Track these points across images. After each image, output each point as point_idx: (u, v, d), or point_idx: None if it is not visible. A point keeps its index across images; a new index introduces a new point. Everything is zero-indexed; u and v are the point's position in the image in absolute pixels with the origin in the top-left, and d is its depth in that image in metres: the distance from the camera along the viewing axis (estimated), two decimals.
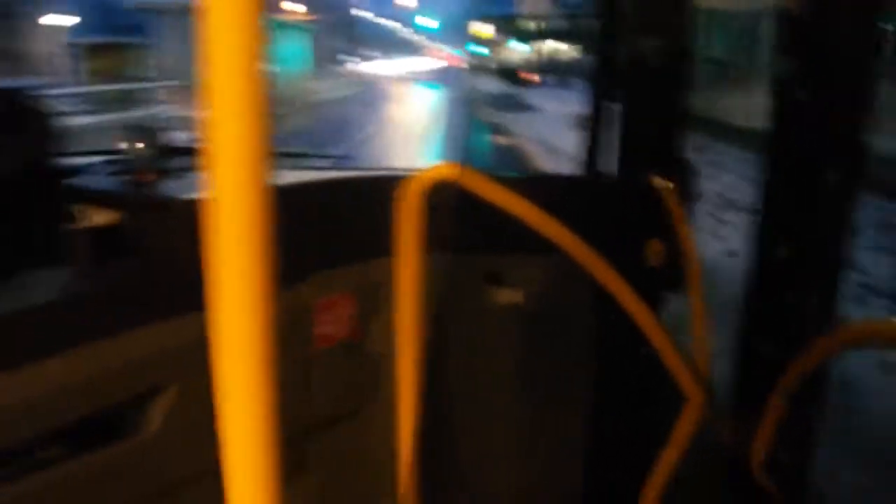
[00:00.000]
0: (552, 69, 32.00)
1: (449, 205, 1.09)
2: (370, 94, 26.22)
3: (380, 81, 42.25)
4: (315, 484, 1.36)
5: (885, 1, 1.09)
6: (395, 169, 1.46)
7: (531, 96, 20.25)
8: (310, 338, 1.27)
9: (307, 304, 1.25)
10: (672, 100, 1.36)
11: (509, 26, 51.06)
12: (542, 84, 25.77)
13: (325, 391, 1.31)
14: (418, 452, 1.20)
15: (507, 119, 15.03)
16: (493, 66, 47.65)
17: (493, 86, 26.73)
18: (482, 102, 19.35)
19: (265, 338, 0.49)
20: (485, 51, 50.92)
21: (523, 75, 27.16)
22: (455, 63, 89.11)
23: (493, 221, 1.10)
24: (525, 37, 56.87)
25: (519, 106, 18.06)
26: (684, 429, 1.24)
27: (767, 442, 1.15)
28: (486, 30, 65.77)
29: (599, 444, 1.49)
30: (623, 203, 1.36)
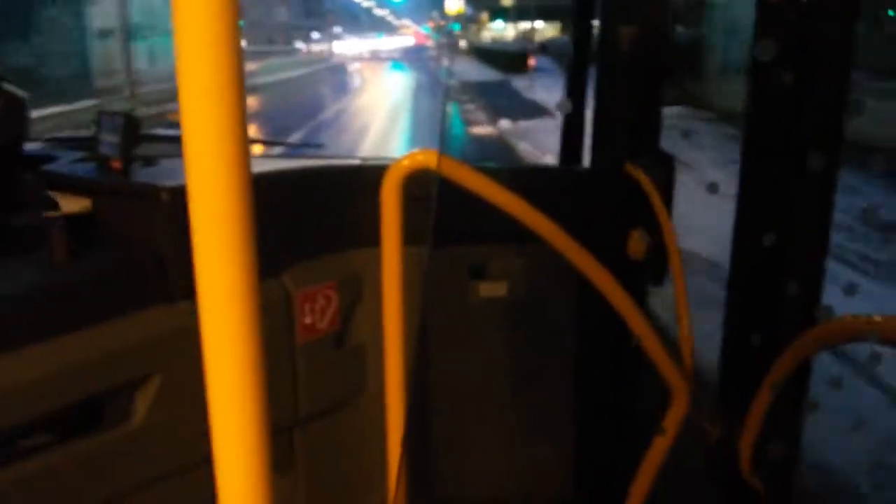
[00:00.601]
0: (545, 50, 26.09)
1: (431, 195, 1.10)
2: (322, 78, 24.30)
3: (337, 61, 38.97)
4: (303, 475, 1.35)
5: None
6: (374, 158, 1.45)
7: (527, 86, 15.87)
8: (294, 329, 1.27)
9: (290, 294, 1.25)
10: (649, 90, 1.34)
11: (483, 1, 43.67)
12: (535, 69, 19.64)
13: (311, 383, 1.31)
14: (405, 444, 1.21)
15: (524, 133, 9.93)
16: (465, 44, 40.58)
17: (471, 69, 24.31)
18: (468, 97, 15.39)
19: (251, 327, 0.49)
20: (455, 25, 43.97)
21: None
22: (422, 41, 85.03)
23: (476, 212, 1.10)
24: (502, 13, 50.07)
25: (525, 107, 12.74)
26: (671, 422, 1.23)
27: (754, 435, 1.14)
28: (455, 4, 58.17)
29: (586, 436, 1.49)
30: (601, 193, 1.36)
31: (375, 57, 52.04)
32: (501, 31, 46.28)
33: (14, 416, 0.97)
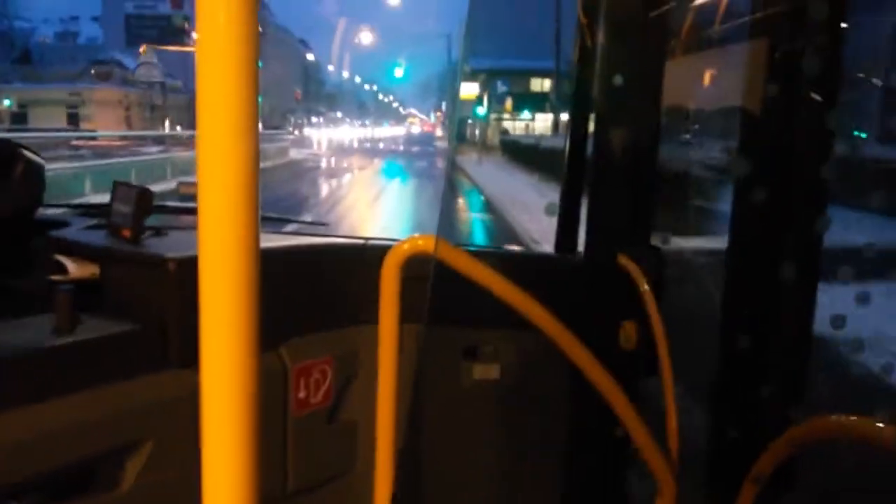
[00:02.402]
0: None
1: (427, 277, 1.21)
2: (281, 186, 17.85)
3: (317, 158, 32.34)
4: None
5: (834, 105, 1.21)
6: (374, 238, 1.59)
7: None
8: (287, 402, 1.35)
9: (286, 368, 1.34)
10: (639, 186, 1.45)
11: (507, 84, 30.42)
12: None
13: (302, 457, 1.39)
14: None
15: None
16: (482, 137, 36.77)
17: (506, 182, 18.19)
18: None
19: (249, 398, 0.51)
20: (481, 112, 31.65)
21: None
22: (430, 129, 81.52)
23: (472, 295, 1.20)
24: (528, 103, 36.45)
25: None
26: None
27: None
28: (470, 90, 45.40)
29: None
30: (594, 283, 1.48)
31: (370, 149, 39.04)
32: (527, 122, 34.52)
33: (6, 477, 1.02)
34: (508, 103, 41.94)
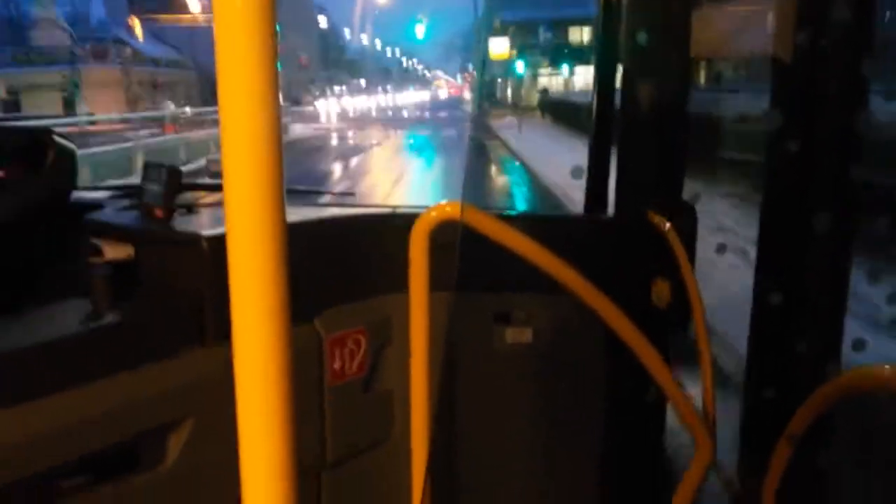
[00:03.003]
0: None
1: (457, 244, 1.26)
2: None
3: (326, 134, 26.00)
4: None
5: (869, 55, 1.21)
6: (401, 207, 1.63)
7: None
8: (323, 374, 1.41)
9: (320, 339, 1.40)
10: (671, 140, 1.48)
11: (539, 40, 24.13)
12: None
13: (339, 426, 1.45)
14: (431, 489, 1.31)
15: None
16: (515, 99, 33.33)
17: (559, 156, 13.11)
18: None
19: (283, 371, 0.52)
20: (520, 69, 25.91)
21: None
22: (457, 93, 77.14)
23: (501, 260, 1.23)
24: (567, 55, 29.61)
25: None
26: (694, 474, 1.33)
27: (776, 487, 1.24)
28: (501, 46, 39.60)
29: (609, 486, 1.60)
30: (624, 242, 1.51)
31: (388, 120, 33.73)
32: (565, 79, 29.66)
33: (54, 458, 1.07)
34: (544, 57, 36.91)
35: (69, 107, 37.95)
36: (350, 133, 27.10)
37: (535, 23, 36.40)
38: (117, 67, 41.15)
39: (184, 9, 49.73)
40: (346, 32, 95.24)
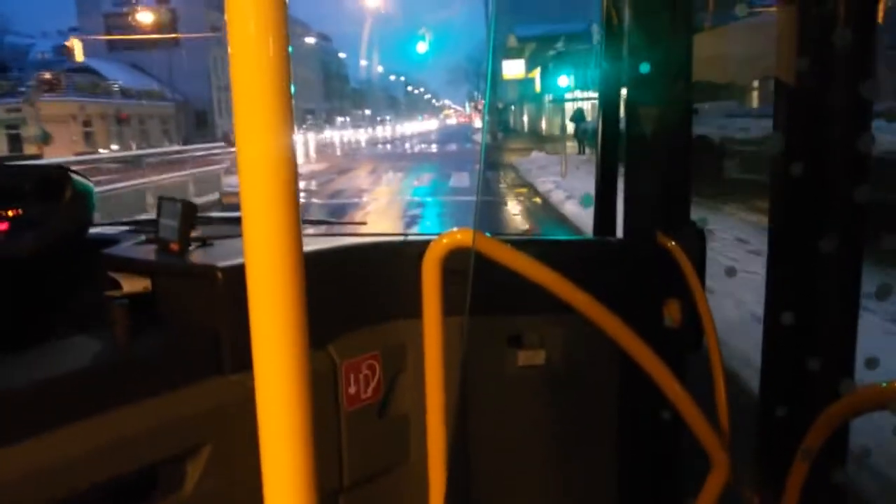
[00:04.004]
0: None
1: (468, 269, 1.25)
2: None
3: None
4: None
5: (872, 75, 1.29)
6: (414, 234, 1.73)
7: None
8: (339, 398, 1.48)
9: (335, 365, 1.48)
10: (675, 163, 1.56)
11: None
12: None
13: (355, 451, 1.52)
14: None
15: None
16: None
17: None
18: None
19: (303, 396, 0.55)
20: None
21: None
22: (465, 120, 76.72)
23: (513, 284, 1.31)
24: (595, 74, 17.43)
25: None
26: (710, 492, 1.38)
27: (794, 503, 1.32)
28: (516, 68, 30.75)
29: None
30: (634, 264, 1.60)
31: (385, 157, 25.70)
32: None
33: (73, 487, 1.12)
34: (566, 79, 30.50)
35: (14, 144, 32.20)
36: (326, 179, 19.56)
37: (556, 37, 30.28)
38: (73, 99, 35.45)
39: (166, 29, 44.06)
40: (347, 58, 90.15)
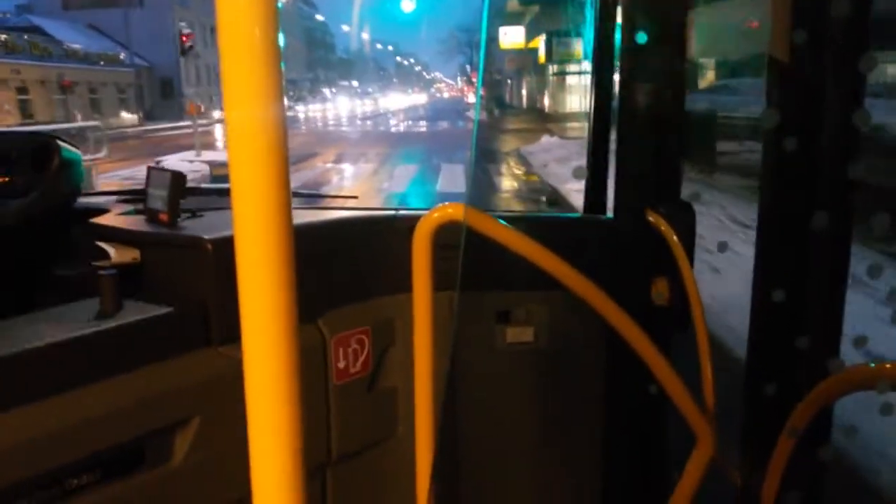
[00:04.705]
0: None
1: (458, 244, 1.25)
2: None
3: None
4: None
5: (867, 51, 1.28)
6: (404, 209, 1.74)
7: None
8: (328, 373, 1.51)
9: (324, 339, 1.51)
10: (667, 141, 1.57)
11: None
12: None
13: (344, 425, 1.55)
14: (435, 486, 1.39)
15: None
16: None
17: None
18: None
19: (291, 369, 0.55)
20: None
21: None
22: (456, 94, 70.26)
23: (503, 260, 1.32)
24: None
25: None
26: (695, 468, 1.41)
27: (777, 483, 1.32)
28: (515, 36, 24.11)
29: (612, 482, 1.71)
30: (624, 241, 1.64)
31: (359, 140, 25.84)
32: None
33: (62, 457, 1.13)
34: (578, 49, 26.61)
35: None
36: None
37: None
38: (7, 62, 30.59)
39: None
40: (332, 25, 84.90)
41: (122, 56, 43.98)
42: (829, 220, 1.18)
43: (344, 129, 32.72)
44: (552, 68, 33.88)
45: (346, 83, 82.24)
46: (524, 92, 45.54)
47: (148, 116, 42.50)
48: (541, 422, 1.68)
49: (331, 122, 37.22)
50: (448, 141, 21.62)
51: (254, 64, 0.49)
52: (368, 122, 37.66)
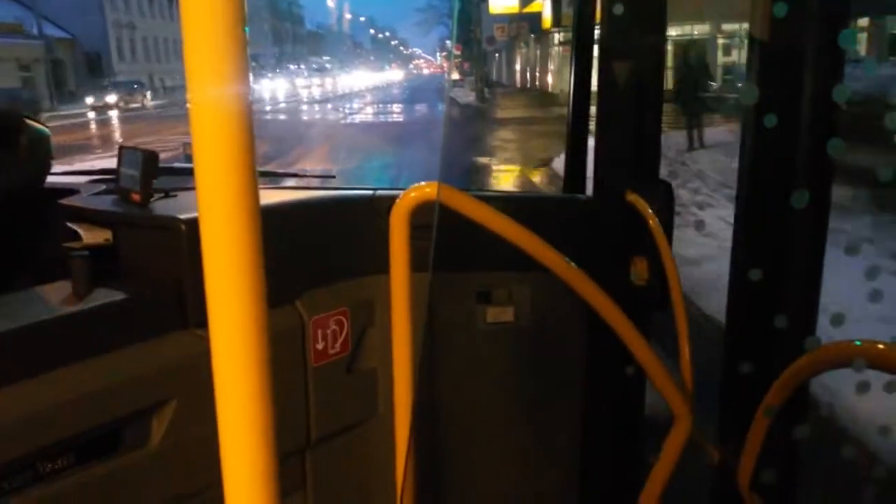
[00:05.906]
0: None
1: (437, 223, 1.27)
2: None
3: None
4: (313, 497, 1.64)
5: (846, 26, 1.35)
6: (380, 188, 1.76)
7: None
8: (306, 354, 1.56)
9: (302, 321, 1.56)
10: (645, 121, 1.62)
11: None
12: None
13: (322, 407, 1.61)
14: (414, 467, 1.44)
15: None
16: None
17: None
18: None
19: (261, 353, 0.55)
20: None
21: None
22: (436, 70, 70.67)
23: (482, 240, 1.37)
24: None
25: None
26: (672, 447, 1.49)
27: (753, 460, 1.39)
28: None
29: (590, 460, 1.79)
30: (603, 221, 1.71)
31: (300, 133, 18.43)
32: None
33: (36, 441, 1.16)
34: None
35: None
36: None
37: None
38: None
39: None
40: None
41: (23, 26, 36.80)
42: (809, 198, 1.19)
43: (281, 117, 25.07)
44: (558, 37, 27.16)
45: (317, 59, 74.69)
46: (517, 67, 38.51)
47: (69, 99, 35.54)
48: (521, 401, 1.73)
49: (268, 107, 28.64)
50: (426, 136, 14.24)
51: (218, 38, 0.47)
52: (320, 107, 29.50)
